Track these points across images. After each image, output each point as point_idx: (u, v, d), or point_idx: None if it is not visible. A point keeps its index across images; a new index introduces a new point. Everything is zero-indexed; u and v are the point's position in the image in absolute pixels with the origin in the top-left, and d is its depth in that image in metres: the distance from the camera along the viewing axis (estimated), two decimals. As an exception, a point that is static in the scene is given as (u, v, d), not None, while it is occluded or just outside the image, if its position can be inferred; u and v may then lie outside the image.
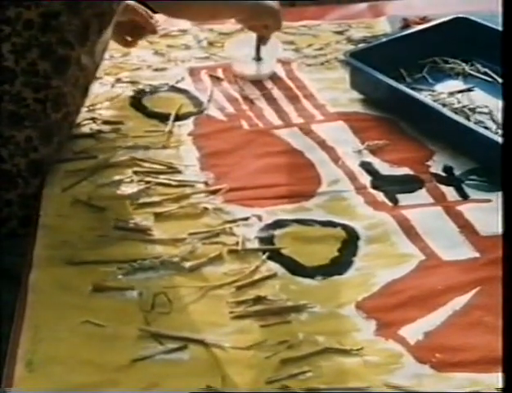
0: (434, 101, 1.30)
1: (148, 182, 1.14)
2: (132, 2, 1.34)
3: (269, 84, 1.40)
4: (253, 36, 1.48)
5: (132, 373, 0.86)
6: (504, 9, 0.92)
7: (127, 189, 1.12)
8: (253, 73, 1.42)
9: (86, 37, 1.13)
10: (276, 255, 1.02)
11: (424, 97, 1.30)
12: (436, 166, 1.18)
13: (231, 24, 1.57)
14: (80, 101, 1.20)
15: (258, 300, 0.95)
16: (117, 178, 1.15)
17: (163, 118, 1.29)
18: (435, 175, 1.17)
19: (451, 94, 1.35)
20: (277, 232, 1.06)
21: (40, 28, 1.08)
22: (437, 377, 0.86)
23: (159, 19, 1.46)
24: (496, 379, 0.85)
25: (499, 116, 1.28)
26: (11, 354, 0.88)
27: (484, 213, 1.09)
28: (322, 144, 1.24)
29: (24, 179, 1.12)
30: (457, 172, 1.17)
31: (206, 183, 1.15)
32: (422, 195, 1.13)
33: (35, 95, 1.10)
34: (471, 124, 1.21)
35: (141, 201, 1.10)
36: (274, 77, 1.42)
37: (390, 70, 1.34)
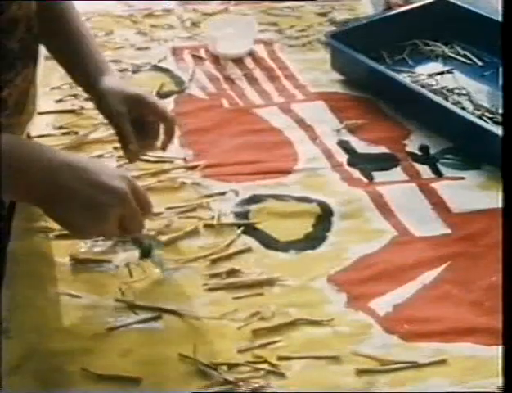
0: (414, 82, 1.31)
1: (127, 157, 1.15)
2: (139, 91, 1.01)
3: (251, 64, 1.41)
4: (232, 16, 1.49)
5: (107, 341, 0.88)
6: (504, 5, 0.93)
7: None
8: (229, 52, 1.43)
9: None
10: (251, 230, 1.03)
11: (402, 77, 1.32)
12: (412, 145, 1.20)
13: (215, 5, 1.59)
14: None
15: (232, 272, 0.97)
16: (97, 153, 1.16)
17: (145, 96, 1.30)
18: (411, 154, 1.18)
19: (431, 76, 1.36)
20: (253, 207, 1.07)
21: None
22: (404, 346, 0.87)
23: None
24: (462, 348, 0.87)
25: (477, 98, 1.30)
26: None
27: (457, 190, 1.10)
28: (301, 123, 1.25)
29: None
30: (433, 151, 1.19)
31: (185, 160, 1.16)
32: (397, 173, 1.14)
33: None
34: (448, 104, 1.22)
35: (120, 175, 1.12)
36: (256, 57, 1.43)
37: (371, 52, 1.35)
